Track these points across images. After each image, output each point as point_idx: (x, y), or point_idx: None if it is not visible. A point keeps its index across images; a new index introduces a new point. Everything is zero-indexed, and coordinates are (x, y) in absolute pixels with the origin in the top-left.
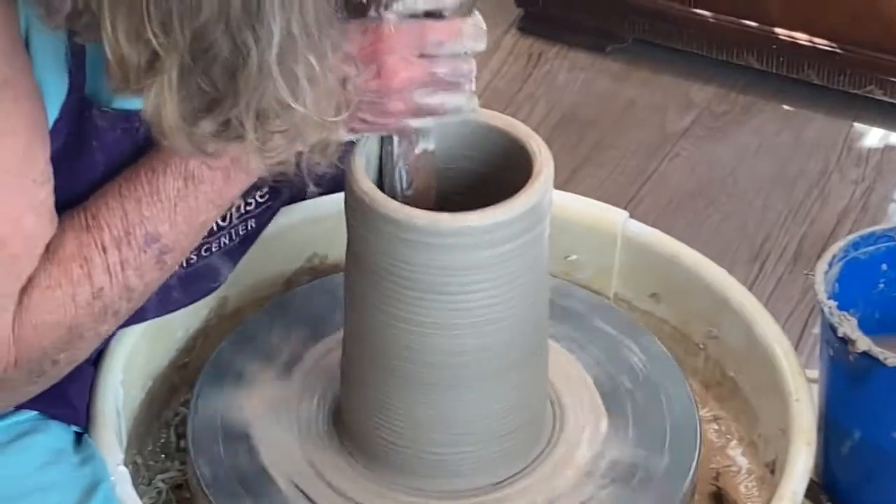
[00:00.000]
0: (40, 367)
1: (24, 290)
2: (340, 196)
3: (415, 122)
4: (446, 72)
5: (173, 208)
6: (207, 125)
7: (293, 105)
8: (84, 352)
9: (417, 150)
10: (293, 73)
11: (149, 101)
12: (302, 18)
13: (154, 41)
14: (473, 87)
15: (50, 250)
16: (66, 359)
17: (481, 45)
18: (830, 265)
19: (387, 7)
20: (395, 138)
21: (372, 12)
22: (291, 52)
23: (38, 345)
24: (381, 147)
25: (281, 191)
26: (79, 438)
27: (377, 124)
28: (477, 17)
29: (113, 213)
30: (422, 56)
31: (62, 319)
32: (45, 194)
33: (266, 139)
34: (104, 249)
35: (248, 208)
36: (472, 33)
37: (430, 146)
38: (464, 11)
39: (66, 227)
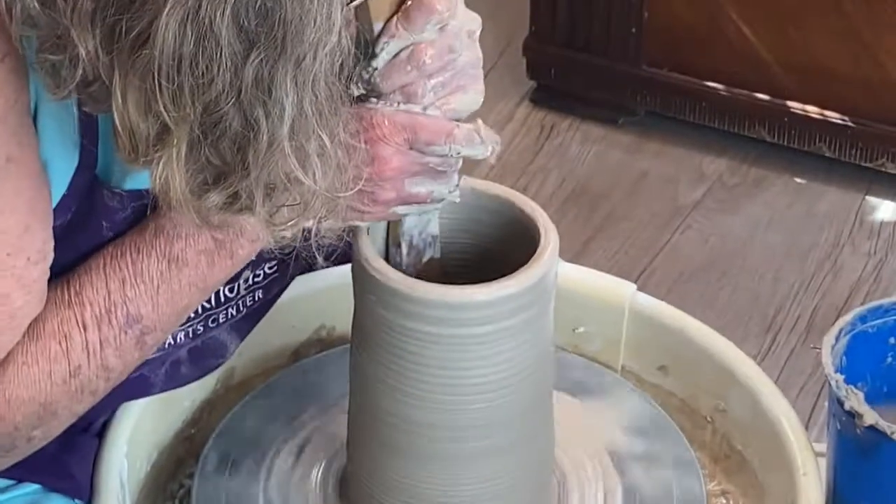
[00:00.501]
0: (12, 443)
1: (1, 364)
2: (349, 268)
3: (402, 210)
4: (437, 163)
5: (156, 290)
6: (215, 198)
7: (303, 180)
8: (57, 429)
9: (425, 259)
10: (304, 149)
11: (157, 172)
12: (314, 97)
13: (164, 114)
14: (457, 178)
15: (30, 325)
16: (41, 435)
17: (476, 152)
18: (838, 338)
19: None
20: (404, 248)
21: (372, 102)
22: (303, 128)
23: (11, 420)
24: (387, 253)
25: (289, 263)
26: None
27: (367, 213)
28: (478, 123)
29: (96, 290)
30: (411, 149)
31: (36, 395)
32: (38, 273)
33: (274, 212)
34: (84, 327)
35: (257, 280)
36: (464, 140)
37: (437, 254)
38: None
39: (47, 301)
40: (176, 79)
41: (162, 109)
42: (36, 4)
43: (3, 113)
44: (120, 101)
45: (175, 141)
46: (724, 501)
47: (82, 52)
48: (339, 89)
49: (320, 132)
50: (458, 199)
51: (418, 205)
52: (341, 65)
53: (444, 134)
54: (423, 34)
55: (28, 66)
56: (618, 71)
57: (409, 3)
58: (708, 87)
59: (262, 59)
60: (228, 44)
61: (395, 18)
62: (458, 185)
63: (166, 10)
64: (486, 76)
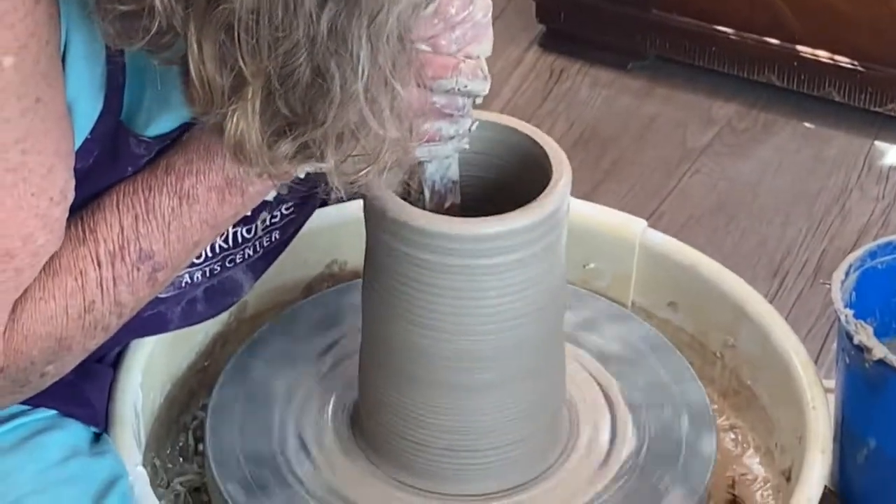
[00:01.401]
0: (26, 378)
1: (18, 300)
2: (360, 203)
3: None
4: (444, 103)
5: (167, 227)
6: (286, 147)
7: (377, 130)
8: (70, 365)
9: (447, 204)
10: (377, 101)
11: (231, 125)
12: (388, 48)
13: (242, 66)
14: (469, 123)
15: (47, 262)
16: (53, 371)
17: (479, 88)
18: (847, 274)
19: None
20: (427, 193)
21: None
22: (376, 81)
23: (28, 354)
24: (408, 197)
25: (306, 204)
26: (97, 438)
27: None
28: (481, 60)
29: (110, 227)
30: (418, 86)
31: (53, 331)
32: (59, 212)
33: (343, 161)
34: (98, 264)
35: (274, 221)
36: (470, 73)
37: (458, 200)
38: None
39: (63, 238)
40: (255, 31)
41: (240, 62)
42: None
43: (36, 54)
44: (196, 53)
45: (250, 94)
46: (733, 436)
47: (157, 3)
48: (411, 44)
49: (394, 84)
50: (467, 146)
51: (428, 144)
52: (413, 18)
53: (450, 68)
54: None
55: (64, 3)
56: (627, 15)
57: None
58: (718, 31)
59: (336, 12)
60: None
61: None
62: (469, 131)
63: None
64: (495, 21)
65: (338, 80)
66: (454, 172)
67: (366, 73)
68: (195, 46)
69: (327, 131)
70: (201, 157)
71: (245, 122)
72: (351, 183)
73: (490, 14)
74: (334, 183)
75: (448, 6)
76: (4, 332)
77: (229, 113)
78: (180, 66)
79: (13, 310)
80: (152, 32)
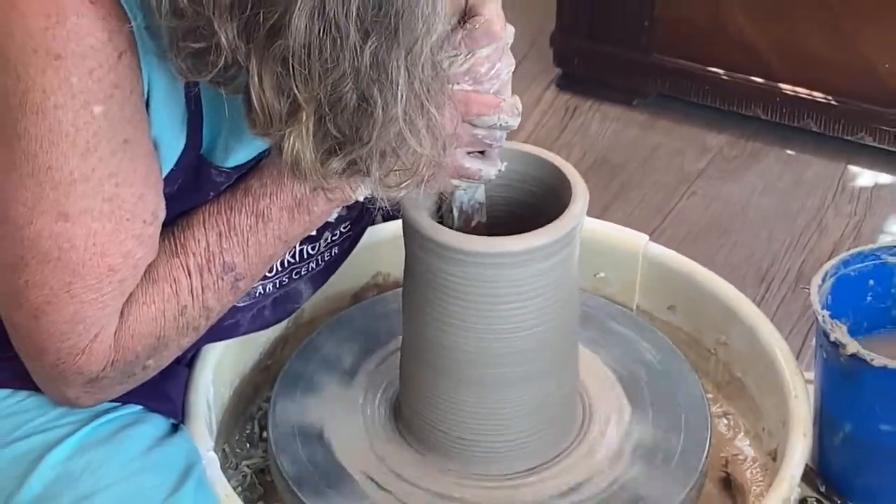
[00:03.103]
0: (131, 370)
1: (126, 304)
2: (400, 223)
3: (455, 182)
4: (485, 134)
5: (246, 242)
6: (336, 164)
7: (416, 148)
8: (167, 359)
9: (474, 223)
10: (414, 121)
11: (287, 145)
12: (422, 76)
13: (297, 93)
14: (500, 164)
15: (146, 269)
16: (153, 364)
17: (515, 122)
18: (824, 280)
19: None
20: (455, 213)
21: None
22: (413, 104)
23: (133, 350)
24: (440, 216)
25: (360, 222)
26: (175, 429)
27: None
28: (515, 98)
29: (198, 242)
30: (463, 121)
31: (153, 331)
32: (152, 230)
33: (386, 175)
34: (189, 273)
35: (334, 238)
36: (509, 110)
37: (483, 219)
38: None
39: (159, 249)
40: (307, 63)
41: (295, 90)
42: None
43: (121, 102)
44: (257, 83)
45: (304, 117)
46: (726, 421)
47: (223, 40)
48: (443, 70)
49: (429, 106)
50: (493, 178)
51: (468, 180)
52: (442, 45)
53: (493, 106)
54: (481, 51)
55: (144, 57)
56: (632, 59)
57: (476, 25)
58: (710, 72)
59: (377, 45)
60: (349, 34)
61: (459, 34)
62: (500, 170)
63: (298, 5)
64: (518, 65)
65: (380, 105)
66: (481, 195)
67: (404, 97)
68: (256, 77)
69: (372, 149)
70: (274, 181)
71: (300, 142)
72: (393, 195)
73: (512, 70)
74: (379, 195)
75: (479, 67)
76: (115, 332)
77: (286, 135)
78: (244, 94)
79: (122, 312)
80: (219, 66)
